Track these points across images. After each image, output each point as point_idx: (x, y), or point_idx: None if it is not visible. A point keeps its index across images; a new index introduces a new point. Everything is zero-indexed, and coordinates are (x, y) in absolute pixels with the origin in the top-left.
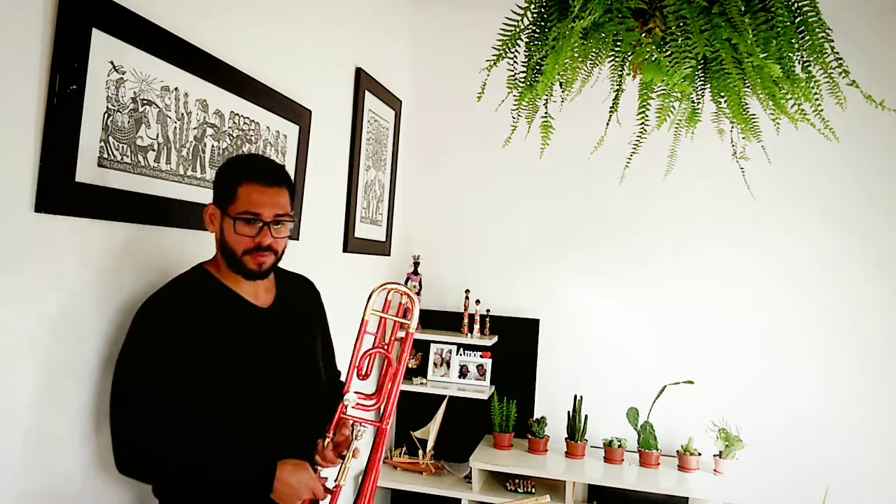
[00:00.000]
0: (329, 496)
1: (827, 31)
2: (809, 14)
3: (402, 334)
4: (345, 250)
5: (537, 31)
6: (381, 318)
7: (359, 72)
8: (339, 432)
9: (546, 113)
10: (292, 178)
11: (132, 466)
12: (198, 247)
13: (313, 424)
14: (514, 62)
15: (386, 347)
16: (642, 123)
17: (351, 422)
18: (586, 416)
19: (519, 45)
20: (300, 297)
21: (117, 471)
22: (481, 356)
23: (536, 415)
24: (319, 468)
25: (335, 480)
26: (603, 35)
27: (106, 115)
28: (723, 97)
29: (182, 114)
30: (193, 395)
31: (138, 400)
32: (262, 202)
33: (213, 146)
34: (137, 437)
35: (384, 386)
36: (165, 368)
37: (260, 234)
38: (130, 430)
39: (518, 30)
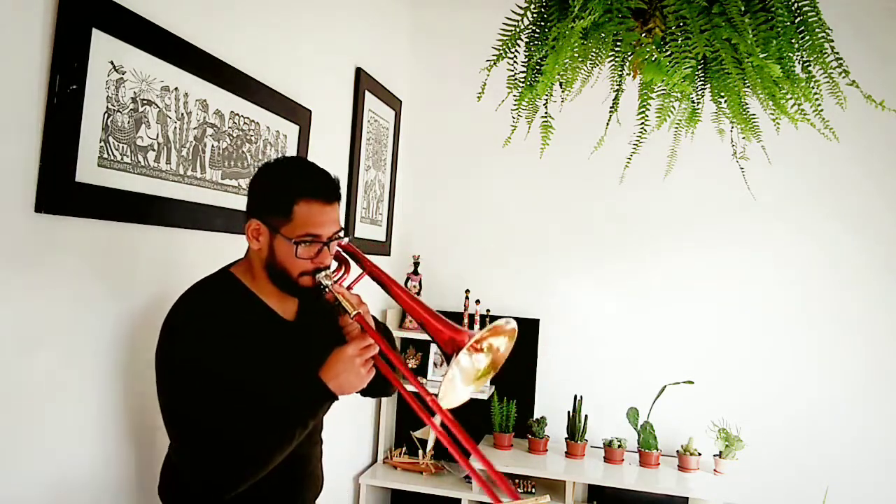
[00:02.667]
0: (365, 338)
1: (827, 31)
2: (809, 14)
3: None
4: None
5: (537, 31)
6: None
7: (359, 72)
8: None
9: (546, 113)
10: None
11: (234, 476)
12: (198, 247)
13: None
14: (514, 62)
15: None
16: (642, 123)
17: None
18: (586, 416)
19: (519, 45)
20: (321, 309)
21: (213, 494)
22: None
23: (536, 415)
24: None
25: (350, 314)
26: (603, 35)
27: (106, 115)
28: (723, 97)
29: (182, 114)
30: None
31: (211, 421)
32: (321, 222)
33: (213, 146)
34: (226, 444)
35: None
36: (210, 367)
37: (319, 255)
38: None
39: (518, 30)
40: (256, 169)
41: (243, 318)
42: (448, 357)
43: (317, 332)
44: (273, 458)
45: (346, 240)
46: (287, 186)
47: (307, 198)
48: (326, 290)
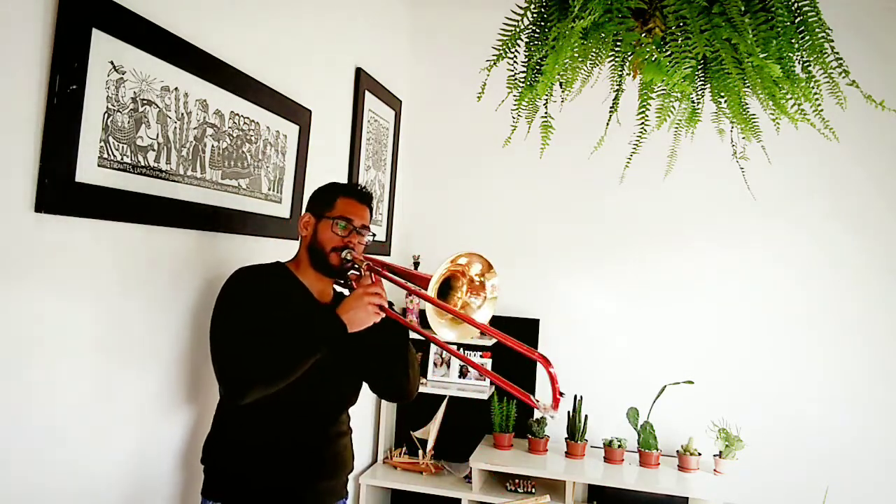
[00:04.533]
0: (376, 283)
1: (827, 31)
2: (809, 14)
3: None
4: None
5: (537, 31)
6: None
7: (359, 72)
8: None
9: (546, 113)
10: (293, 178)
11: (248, 382)
12: (198, 247)
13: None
14: (514, 62)
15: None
16: (642, 123)
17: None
18: (586, 416)
19: (519, 45)
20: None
21: (233, 399)
22: (481, 356)
23: (536, 415)
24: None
25: (360, 265)
26: (603, 35)
27: (106, 115)
28: (723, 97)
29: (182, 114)
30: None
31: (242, 333)
32: (354, 212)
33: (213, 146)
34: (248, 356)
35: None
36: (253, 317)
37: (349, 235)
38: (241, 351)
39: (518, 30)
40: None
41: (285, 289)
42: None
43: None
44: (283, 368)
45: (372, 237)
46: (333, 187)
47: (347, 196)
48: (352, 265)
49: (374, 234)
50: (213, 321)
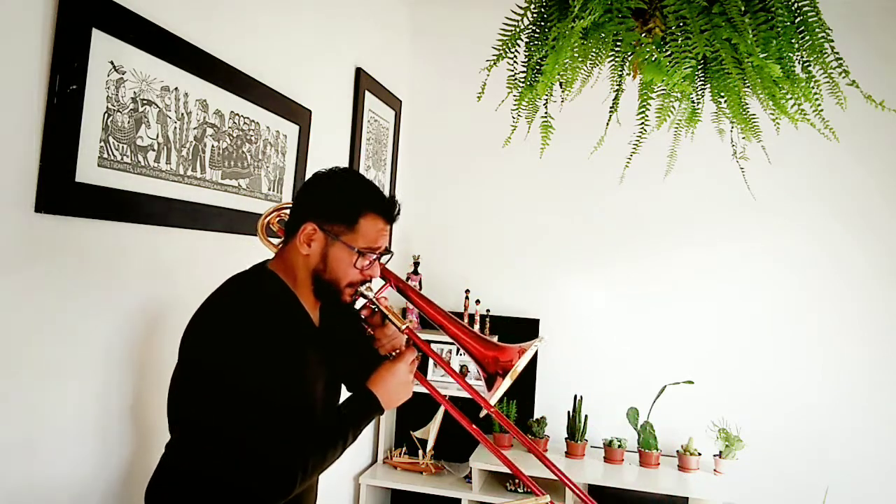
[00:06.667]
0: (413, 351)
1: (827, 31)
2: (809, 14)
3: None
4: None
5: (537, 31)
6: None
7: (359, 72)
8: (379, 332)
9: (546, 113)
10: (293, 178)
11: (300, 474)
12: (198, 247)
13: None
14: (514, 62)
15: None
16: (642, 123)
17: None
18: (586, 416)
19: (519, 45)
20: (335, 314)
21: (280, 499)
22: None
23: (536, 415)
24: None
25: (400, 328)
26: (603, 35)
27: (106, 115)
28: (723, 97)
29: (182, 114)
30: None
31: (274, 407)
32: (380, 238)
33: (213, 146)
34: (292, 447)
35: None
36: (279, 380)
37: (371, 267)
38: (285, 446)
39: (518, 30)
40: (313, 174)
41: (289, 325)
42: (491, 375)
43: (336, 337)
44: (319, 469)
45: (388, 258)
46: (356, 197)
47: (374, 212)
48: (369, 303)
49: (391, 253)
50: (204, 394)
